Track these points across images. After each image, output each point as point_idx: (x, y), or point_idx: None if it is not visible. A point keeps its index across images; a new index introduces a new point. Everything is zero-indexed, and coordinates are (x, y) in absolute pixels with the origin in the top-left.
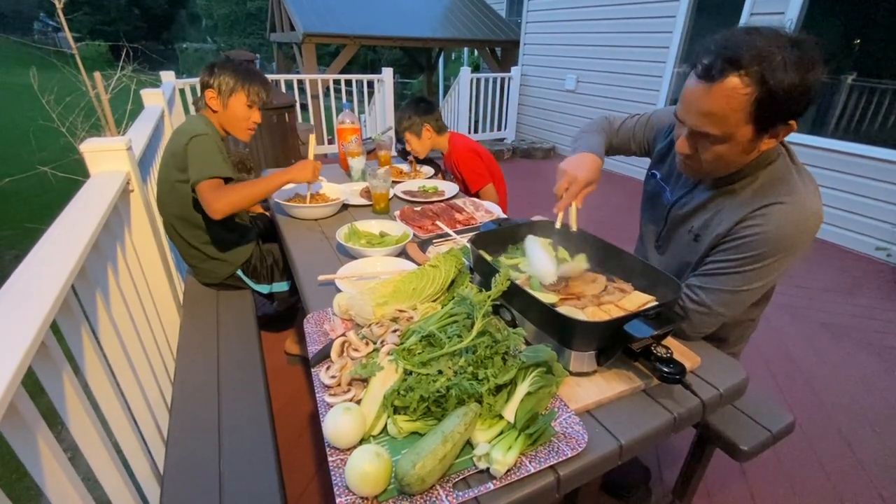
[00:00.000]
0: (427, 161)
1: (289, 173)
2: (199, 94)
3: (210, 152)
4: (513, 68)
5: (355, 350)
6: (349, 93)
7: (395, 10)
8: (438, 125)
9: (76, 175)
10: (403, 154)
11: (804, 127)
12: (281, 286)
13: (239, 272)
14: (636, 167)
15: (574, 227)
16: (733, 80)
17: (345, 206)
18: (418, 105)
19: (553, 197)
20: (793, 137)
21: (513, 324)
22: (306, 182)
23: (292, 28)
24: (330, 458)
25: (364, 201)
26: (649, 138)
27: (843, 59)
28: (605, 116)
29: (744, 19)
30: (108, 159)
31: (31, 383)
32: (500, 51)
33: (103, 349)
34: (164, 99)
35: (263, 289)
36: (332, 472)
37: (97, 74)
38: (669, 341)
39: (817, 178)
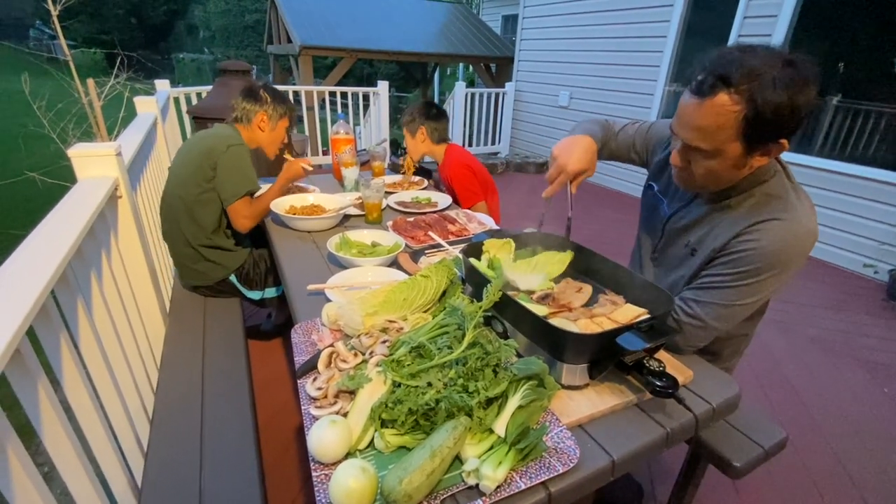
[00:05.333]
0: (422, 171)
1: (286, 176)
2: (238, 111)
3: (246, 165)
4: (507, 84)
5: (343, 361)
6: (345, 105)
7: (392, 24)
8: (437, 134)
9: (65, 181)
10: (396, 168)
11: (791, 145)
12: (271, 292)
13: (232, 277)
14: (628, 183)
15: (570, 212)
16: (723, 97)
17: (346, 217)
18: (424, 107)
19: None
20: (781, 155)
21: (504, 335)
22: (301, 178)
23: (289, 40)
24: (314, 473)
25: (357, 211)
26: (648, 148)
27: (829, 81)
28: (605, 118)
29: (731, 42)
30: (96, 164)
31: (4, 395)
32: (495, 67)
33: (83, 358)
34: (157, 107)
35: (255, 295)
36: (316, 488)
37: (90, 81)
38: (662, 355)
39: None
